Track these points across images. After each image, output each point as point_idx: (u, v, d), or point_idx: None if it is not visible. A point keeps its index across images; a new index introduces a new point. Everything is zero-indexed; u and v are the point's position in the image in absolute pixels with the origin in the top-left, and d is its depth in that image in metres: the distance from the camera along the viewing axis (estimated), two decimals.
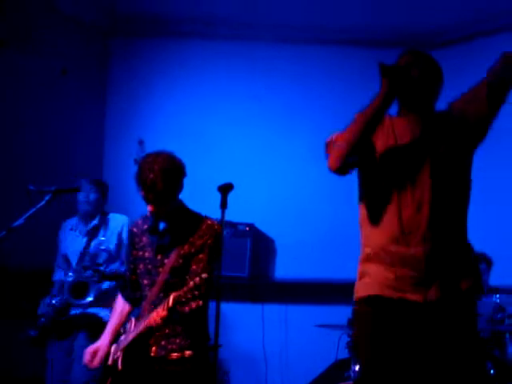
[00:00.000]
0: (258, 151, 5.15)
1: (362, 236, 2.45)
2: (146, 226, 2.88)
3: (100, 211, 3.93)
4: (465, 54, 5.03)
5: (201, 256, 2.69)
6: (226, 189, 2.53)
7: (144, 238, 2.86)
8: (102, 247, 3.86)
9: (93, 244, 3.84)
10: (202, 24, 5.16)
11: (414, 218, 2.28)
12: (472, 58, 4.91)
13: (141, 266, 2.86)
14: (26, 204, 3.08)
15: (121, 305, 3.00)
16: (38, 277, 4.14)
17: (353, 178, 5.03)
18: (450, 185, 2.33)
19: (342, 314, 4.27)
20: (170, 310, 2.50)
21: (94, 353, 2.92)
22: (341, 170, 2.30)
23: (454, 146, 2.34)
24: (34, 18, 4.50)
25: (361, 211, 2.45)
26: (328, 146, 2.40)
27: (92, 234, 3.86)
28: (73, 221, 3.99)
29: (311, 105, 5.26)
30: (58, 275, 3.95)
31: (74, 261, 3.85)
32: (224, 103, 5.21)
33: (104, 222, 3.90)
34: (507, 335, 4.01)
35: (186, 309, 2.55)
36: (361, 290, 2.37)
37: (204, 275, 2.49)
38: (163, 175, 2.67)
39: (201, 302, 2.52)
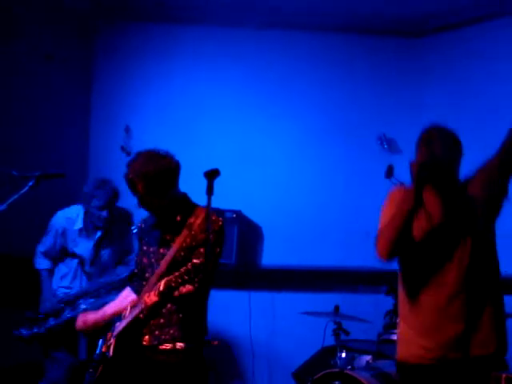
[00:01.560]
0: (245, 138, 5.14)
1: (400, 308, 2.68)
2: (152, 222, 2.90)
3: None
4: (457, 41, 5.03)
5: (202, 250, 2.67)
6: (211, 174, 2.50)
7: (150, 233, 2.90)
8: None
9: (102, 252, 3.91)
10: (189, 9, 5.11)
11: (452, 299, 2.51)
12: (464, 45, 4.92)
13: (144, 259, 2.89)
14: (9, 190, 3.06)
15: (127, 292, 3.01)
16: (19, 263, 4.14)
17: (338, 167, 5.02)
18: (486, 260, 2.57)
19: (328, 301, 4.28)
20: (160, 294, 2.51)
21: (85, 320, 2.98)
22: (390, 259, 2.56)
23: (484, 222, 2.59)
24: (16, 4, 4.44)
25: (400, 288, 2.67)
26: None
27: (100, 241, 3.90)
28: (77, 219, 3.92)
29: (301, 93, 5.25)
30: (46, 264, 3.94)
31: (86, 265, 3.89)
32: (211, 90, 5.18)
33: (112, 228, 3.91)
34: None
35: (176, 293, 2.54)
36: (407, 354, 2.61)
37: (195, 260, 2.50)
38: (142, 176, 2.70)
39: (191, 288, 2.51)
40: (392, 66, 5.20)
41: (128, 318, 2.77)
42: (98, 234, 3.91)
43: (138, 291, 2.95)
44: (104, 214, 3.79)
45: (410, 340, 2.59)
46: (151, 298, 2.56)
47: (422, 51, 5.20)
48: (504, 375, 2.59)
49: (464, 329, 2.50)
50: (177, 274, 2.51)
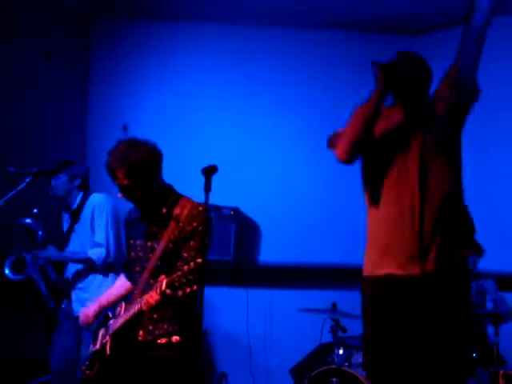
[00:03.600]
0: (243, 135, 5.14)
1: (367, 217, 2.63)
2: (137, 215, 2.88)
3: (78, 193, 3.81)
4: (452, 39, 5.02)
5: (192, 243, 2.66)
6: (209, 171, 2.50)
7: (136, 226, 2.87)
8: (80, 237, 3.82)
9: (76, 228, 3.80)
10: (187, 7, 5.11)
11: (409, 197, 2.46)
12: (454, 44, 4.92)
13: (132, 253, 2.87)
14: (6, 186, 3.06)
15: (123, 280, 3.02)
16: None
17: (336, 165, 5.04)
18: (441, 162, 2.50)
19: (326, 298, 4.29)
20: (162, 293, 2.49)
21: (87, 314, 2.98)
22: (349, 160, 2.52)
23: (442, 126, 2.54)
24: (14, 1, 4.44)
25: (365, 194, 2.64)
26: (332, 139, 2.60)
27: (73, 218, 3.81)
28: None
29: (298, 89, 5.24)
30: None
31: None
32: (210, 86, 5.18)
33: (83, 205, 3.81)
34: (487, 319, 4.06)
35: (180, 293, 2.50)
36: (366, 269, 2.56)
37: (198, 260, 2.47)
38: (122, 163, 2.67)
39: (195, 287, 2.47)
40: None
41: (125, 316, 2.76)
42: (65, 215, 3.85)
43: (132, 280, 2.95)
44: (53, 181, 3.72)
45: (373, 252, 2.56)
46: (153, 297, 2.53)
47: (417, 49, 5.19)
48: (501, 371, 2.59)
49: (419, 245, 2.44)
50: (179, 273, 2.46)
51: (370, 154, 2.58)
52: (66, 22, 4.93)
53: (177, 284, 2.46)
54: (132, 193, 2.74)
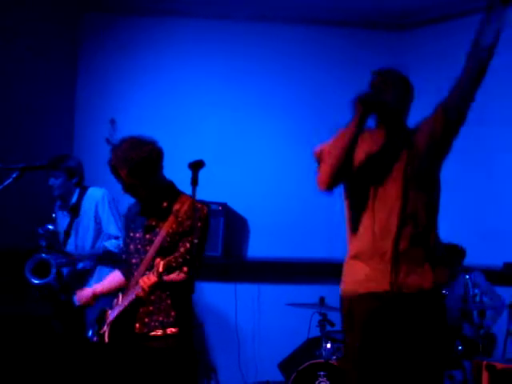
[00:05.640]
0: (231, 131, 5.14)
1: (347, 239, 2.66)
2: (137, 209, 2.92)
3: (75, 189, 3.89)
4: (439, 35, 5.06)
5: (190, 238, 2.69)
6: (196, 166, 2.53)
7: (136, 220, 2.91)
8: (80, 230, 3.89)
9: (75, 223, 3.87)
10: (177, 2, 5.10)
11: (386, 224, 2.49)
12: (448, 39, 4.95)
13: (131, 246, 2.90)
14: None
15: (117, 274, 3.05)
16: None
17: None
18: (421, 191, 2.53)
19: (314, 292, 4.32)
20: (160, 275, 2.51)
21: (85, 295, 3.07)
22: (329, 190, 2.54)
23: (424, 157, 2.56)
24: None
25: (346, 216, 2.67)
26: (317, 157, 2.62)
27: (73, 213, 3.88)
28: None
29: (287, 85, 5.25)
30: None
31: (61, 239, 3.91)
32: (198, 82, 5.18)
33: (81, 200, 3.89)
34: (475, 312, 4.10)
35: (174, 276, 2.53)
36: (342, 288, 2.62)
37: (195, 240, 2.48)
38: (124, 162, 2.72)
39: (186, 269, 2.50)
40: (380, 60, 5.21)
41: (121, 305, 2.79)
42: (60, 213, 3.93)
43: (126, 275, 2.97)
44: (51, 181, 3.82)
45: (352, 270, 2.58)
46: (151, 278, 2.55)
47: (404, 45, 5.23)
48: (485, 362, 2.61)
49: (395, 264, 2.46)
50: (177, 254, 2.49)
51: (352, 178, 2.59)
52: (55, 16, 4.90)
53: (174, 264, 2.49)
54: (134, 190, 2.80)
